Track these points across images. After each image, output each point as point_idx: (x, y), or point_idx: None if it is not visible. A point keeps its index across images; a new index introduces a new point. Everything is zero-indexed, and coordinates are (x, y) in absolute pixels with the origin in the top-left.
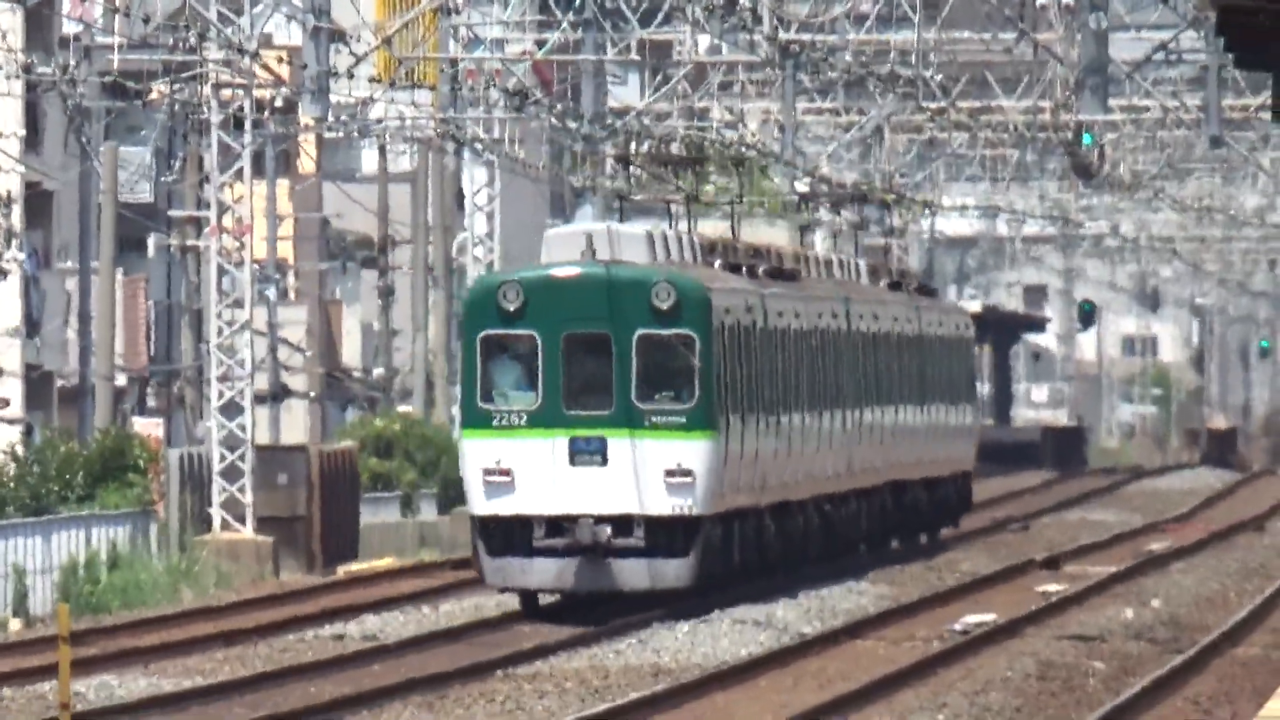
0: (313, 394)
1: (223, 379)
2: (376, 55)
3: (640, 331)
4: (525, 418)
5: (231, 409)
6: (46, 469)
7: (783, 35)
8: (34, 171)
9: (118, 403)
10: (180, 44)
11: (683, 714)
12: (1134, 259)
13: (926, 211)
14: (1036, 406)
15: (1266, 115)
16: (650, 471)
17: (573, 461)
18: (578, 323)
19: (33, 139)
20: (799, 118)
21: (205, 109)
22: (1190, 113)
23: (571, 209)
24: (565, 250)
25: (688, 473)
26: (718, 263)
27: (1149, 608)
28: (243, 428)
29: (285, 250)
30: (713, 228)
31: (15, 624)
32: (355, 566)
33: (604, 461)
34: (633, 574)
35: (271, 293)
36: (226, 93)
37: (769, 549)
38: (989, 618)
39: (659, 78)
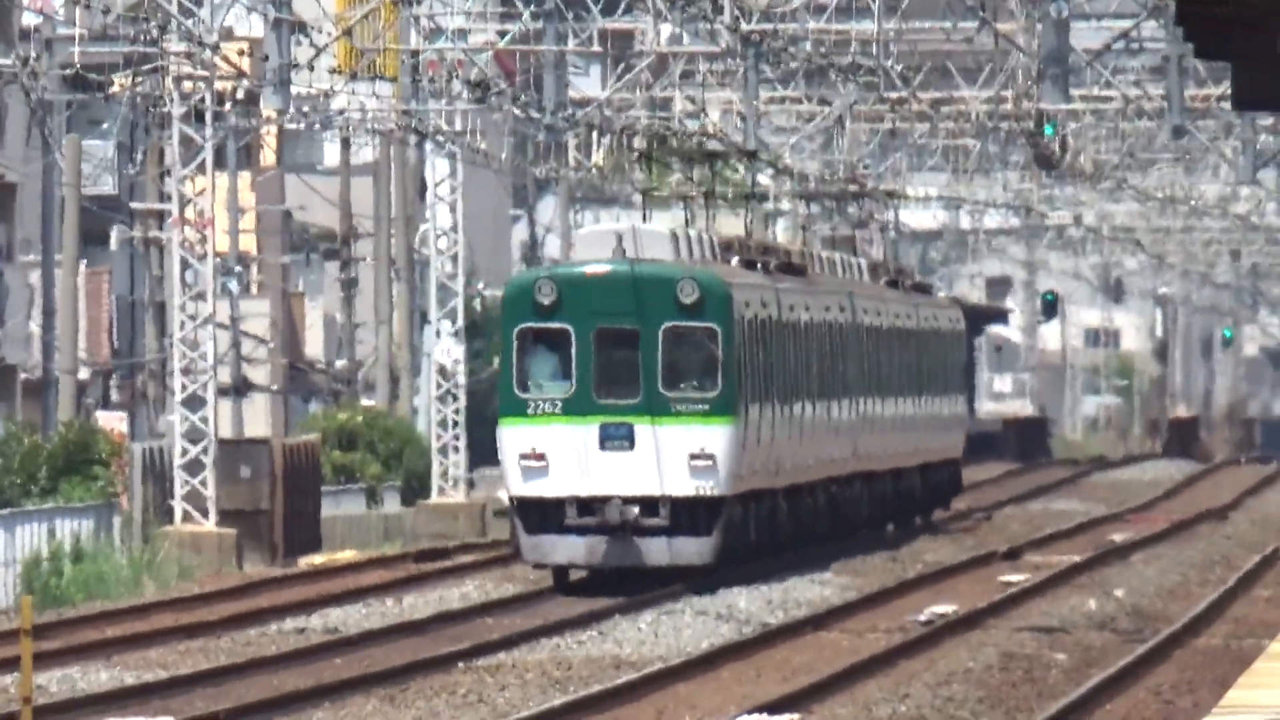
0: (275, 387)
1: (185, 372)
2: (337, 46)
3: (666, 324)
4: (559, 406)
5: (194, 402)
6: (10, 462)
7: (744, 25)
8: None
9: (81, 396)
10: (141, 36)
11: (645, 705)
12: (1097, 250)
13: (890, 203)
14: (1000, 398)
15: (1228, 104)
16: (675, 455)
17: (603, 446)
18: (608, 317)
19: None
20: (761, 108)
21: (167, 101)
22: (1152, 101)
23: (534, 200)
24: (595, 248)
25: (710, 456)
26: (735, 259)
27: (1111, 598)
28: (205, 421)
29: (248, 243)
30: (671, 218)
31: None
32: (317, 559)
33: (632, 446)
34: (658, 551)
35: (234, 286)
36: (188, 85)
37: (782, 529)
38: (951, 609)
39: (621, 68)
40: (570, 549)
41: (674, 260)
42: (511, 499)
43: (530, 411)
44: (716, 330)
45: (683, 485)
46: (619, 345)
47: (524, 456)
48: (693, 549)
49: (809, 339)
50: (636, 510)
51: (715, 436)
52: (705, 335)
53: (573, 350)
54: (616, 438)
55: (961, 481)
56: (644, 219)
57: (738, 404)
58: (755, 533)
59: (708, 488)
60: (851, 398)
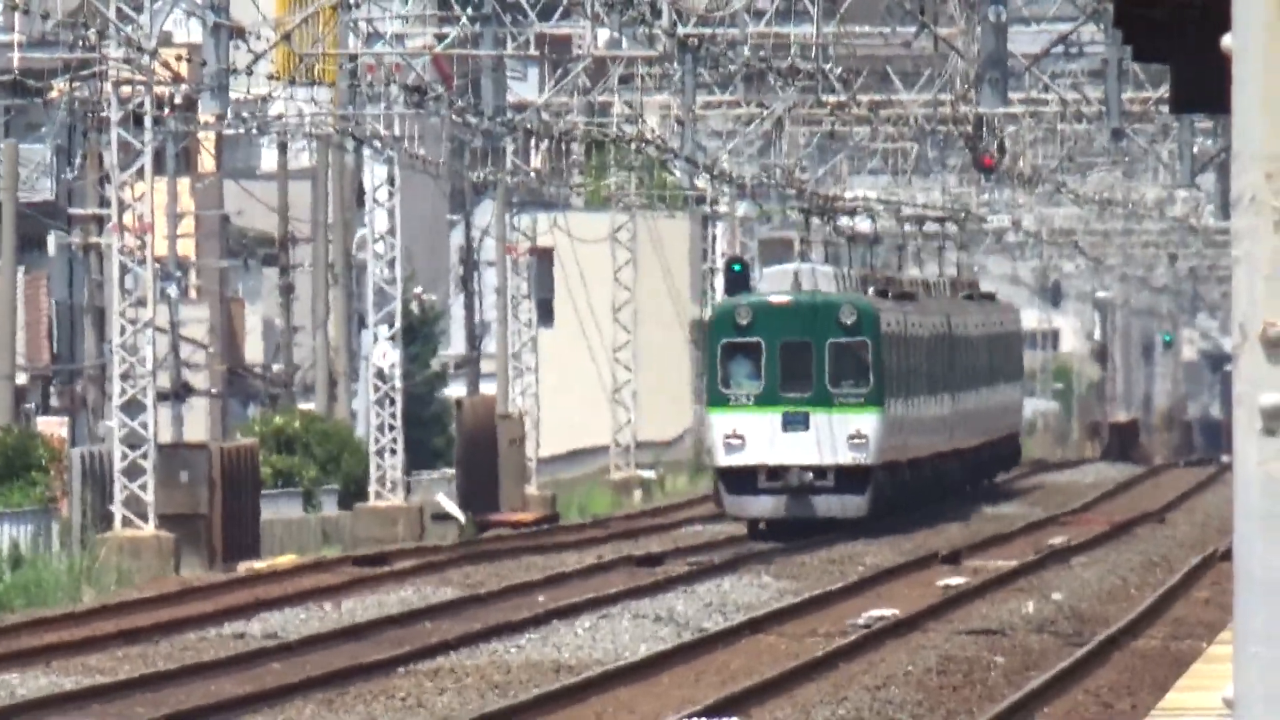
0: (214, 391)
1: (125, 377)
2: (276, 52)
3: (831, 339)
4: (753, 398)
5: (133, 407)
6: None
7: (681, 29)
8: None
9: (20, 402)
10: (80, 42)
11: (584, 709)
12: (1035, 253)
13: (829, 206)
14: None
15: (1166, 108)
16: (838, 435)
17: (785, 429)
18: (789, 333)
19: None
20: (698, 111)
21: (105, 106)
22: (1090, 105)
23: (472, 205)
24: (779, 282)
25: (864, 436)
26: (871, 290)
27: (1050, 601)
28: (145, 426)
29: (186, 248)
30: (610, 220)
31: None
32: (257, 564)
33: (807, 428)
34: (827, 506)
35: (173, 291)
36: (126, 90)
37: (908, 491)
38: (890, 612)
39: (559, 72)
40: (762, 505)
41: (836, 291)
42: (716, 469)
43: (731, 403)
44: (868, 343)
45: (844, 457)
46: (797, 354)
47: (727, 436)
48: (852, 504)
49: (923, 348)
50: (810, 476)
51: (867, 421)
52: (860, 347)
53: (762, 358)
54: (795, 422)
55: (1020, 451)
56: (801, 259)
57: (883, 398)
58: (893, 493)
59: (862, 459)
60: (950, 391)
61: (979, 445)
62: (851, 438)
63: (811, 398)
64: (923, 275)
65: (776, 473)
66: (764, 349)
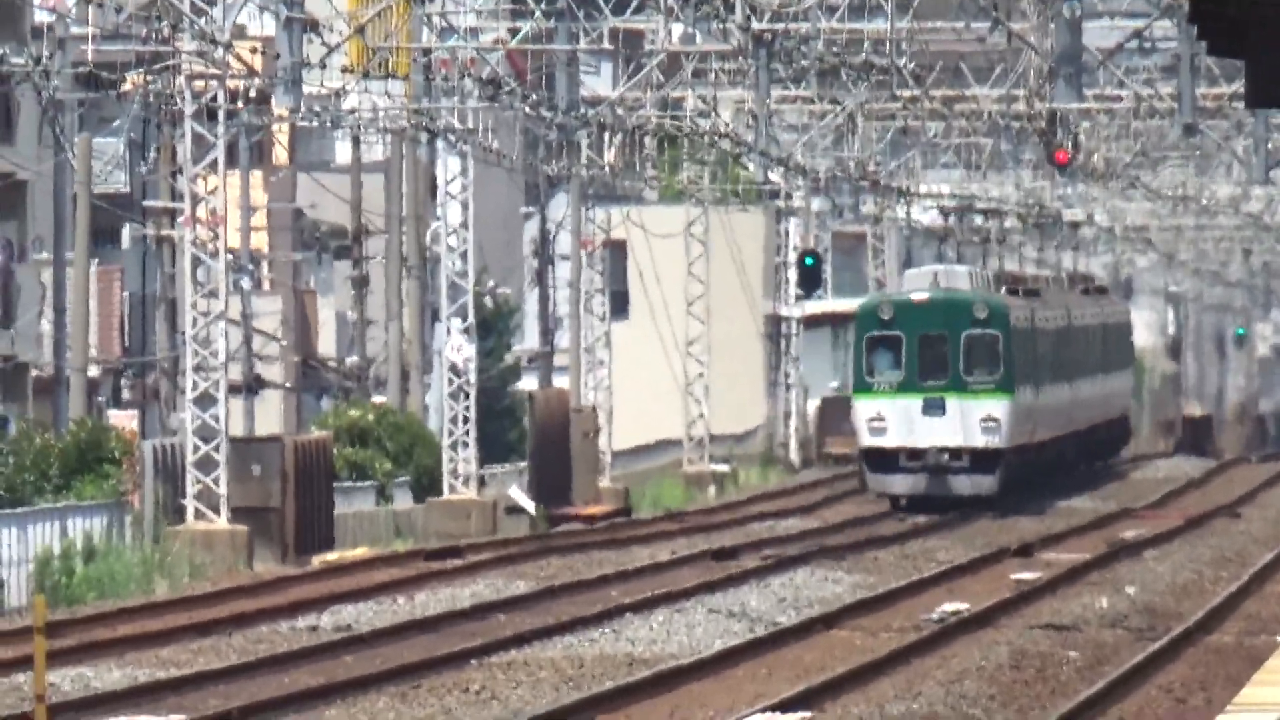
0: (287, 384)
1: (197, 370)
2: (349, 45)
3: (966, 332)
4: (894, 385)
5: (206, 400)
6: (22, 460)
7: (755, 24)
8: (8, 163)
9: (92, 394)
10: (153, 35)
11: (658, 704)
12: (1108, 248)
13: (901, 200)
14: None
15: (1240, 103)
16: (972, 419)
17: (923, 413)
18: (927, 327)
19: (6, 131)
20: (772, 106)
21: (179, 100)
22: (1164, 101)
23: (546, 198)
24: (918, 281)
25: (995, 420)
26: (1003, 288)
27: (1123, 596)
28: (217, 418)
29: (259, 241)
30: (684, 213)
31: None
32: (330, 556)
33: (943, 413)
34: (961, 484)
35: (246, 283)
36: (200, 83)
37: (1036, 471)
38: (964, 606)
39: (632, 67)
40: (902, 483)
41: (969, 289)
42: (861, 450)
43: (874, 389)
44: (999, 335)
45: (977, 439)
46: (934, 345)
47: (870, 420)
48: (985, 484)
49: (1047, 339)
50: (946, 457)
51: (999, 407)
52: (991, 339)
53: (903, 349)
54: (933, 407)
55: (1131, 431)
56: (940, 261)
57: (1013, 385)
58: (1020, 473)
59: (994, 442)
60: (1070, 378)
61: (1095, 427)
62: (984, 421)
63: (948, 385)
64: (1046, 272)
65: (915, 454)
66: (904, 341)
